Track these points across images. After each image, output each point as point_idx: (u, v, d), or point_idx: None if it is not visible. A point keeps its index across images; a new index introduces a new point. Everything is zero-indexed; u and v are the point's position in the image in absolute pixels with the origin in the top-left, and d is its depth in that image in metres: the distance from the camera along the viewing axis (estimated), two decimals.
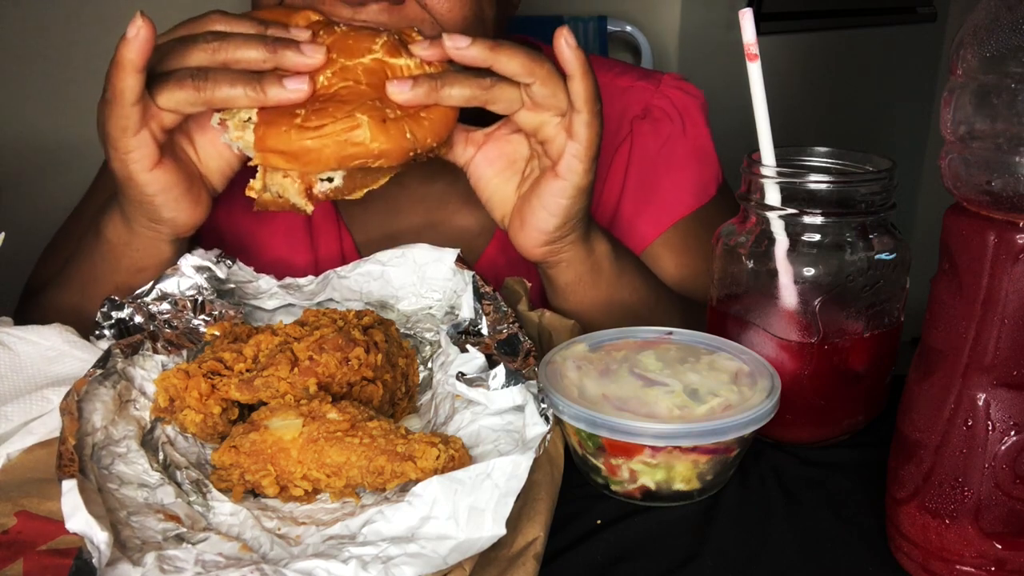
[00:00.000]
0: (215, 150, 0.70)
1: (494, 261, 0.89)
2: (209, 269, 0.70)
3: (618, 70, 0.98)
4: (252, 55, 0.63)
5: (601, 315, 0.77)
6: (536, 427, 0.56)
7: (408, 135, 0.63)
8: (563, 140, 0.67)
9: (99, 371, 0.59)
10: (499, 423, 0.59)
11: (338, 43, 0.65)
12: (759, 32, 0.63)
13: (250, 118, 0.64)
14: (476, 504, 0.50)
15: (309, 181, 0.65)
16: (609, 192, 0.94)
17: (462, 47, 0.63)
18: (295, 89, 0.62)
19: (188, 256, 0.70)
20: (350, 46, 0.65)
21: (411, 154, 0.64)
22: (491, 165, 0.73)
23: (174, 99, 0.63)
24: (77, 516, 0.46)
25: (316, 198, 0.66)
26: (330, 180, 0.66)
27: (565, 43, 0.64)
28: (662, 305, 0.81)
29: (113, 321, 0.65)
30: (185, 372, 0.60)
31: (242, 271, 0.74)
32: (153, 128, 0.64)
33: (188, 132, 0.69)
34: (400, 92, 0.63)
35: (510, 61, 0.64)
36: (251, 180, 0.65)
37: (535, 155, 0.72)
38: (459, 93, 0.64)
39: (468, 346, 0.64)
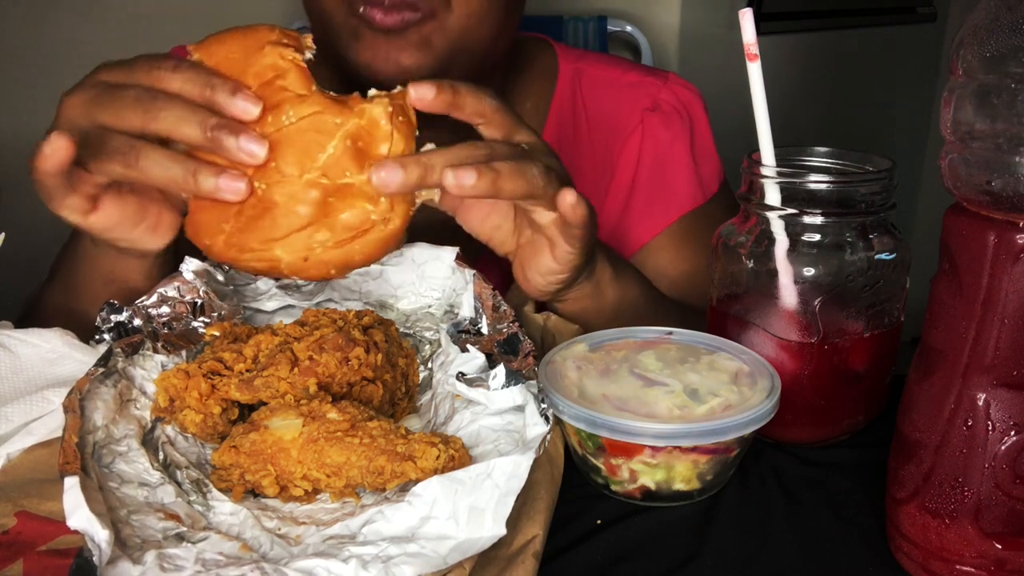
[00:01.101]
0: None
1: (495, 258, 0.90)
2: (208, 272, 0.70)
3: (625, 67, 1.00)
4: (188, 133, 0.56)
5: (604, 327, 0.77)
6: (536, 427, 0.56)
7: (332, 271, 0.60)
8: (557, 230, 0.65)
9: (100, 369, 0.59)
10: (499, 423, 0.59)
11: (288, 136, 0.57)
12: (759, 32, 0.63)
13: None
14: (476, 504, 0.50)
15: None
16: (618, 187, 0.94)
17: (466, 185, 0.57)
18: (228, 189, 0.56)
19: (189, 261, 0.70)
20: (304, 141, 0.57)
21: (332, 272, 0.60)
22: (480, 216, 0.70)
23: (105, 170, 0.59)
24: (78, 513, 0.46)
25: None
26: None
27: (572, 203, 0.62)
28: (661, 313, 0.81)
29: (112, 324, 0.65)
30: (185, 372, 0.60)
31: (240, 275, 0.74)
32: (85, 189, 0.60)
33: None
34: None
35: (515, 191, 0.60)
36: None
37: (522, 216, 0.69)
38: (512, 187, 0.59)
39: (468, 346, 0.64)
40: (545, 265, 0.68)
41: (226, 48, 0.60)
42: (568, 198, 0.62)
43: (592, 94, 0.97)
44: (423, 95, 0.59)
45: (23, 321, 0.69)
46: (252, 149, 0.56)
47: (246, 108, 0.56)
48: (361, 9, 0.77)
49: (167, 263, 0.69)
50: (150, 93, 0.57)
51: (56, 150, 0.55)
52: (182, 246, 0.67)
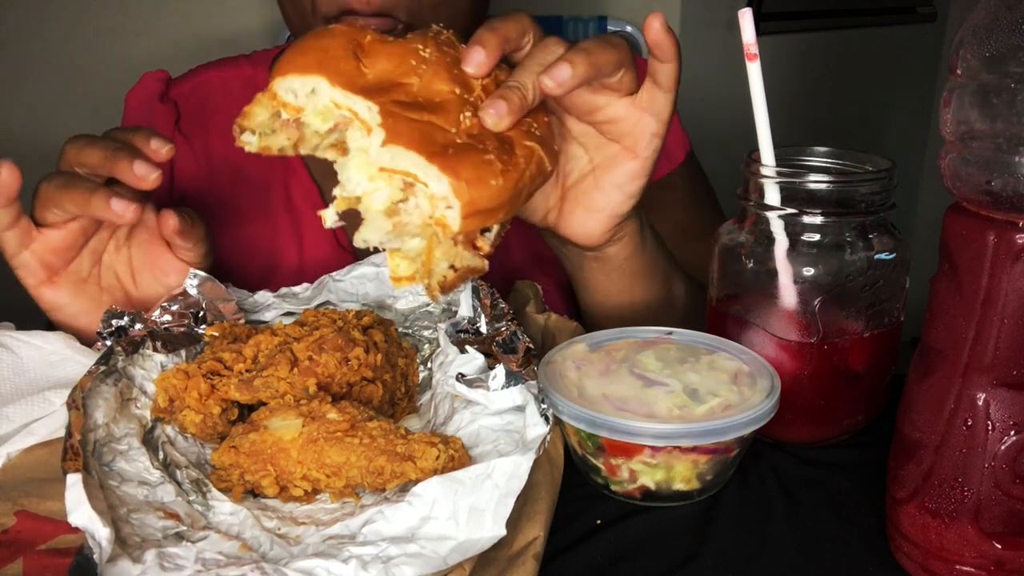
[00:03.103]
0: (158, 284, 0.71)
1: (494, 257, 0.90)
2: (211, 283, 0.70)
3: None
4: (92, 159, 0.64)
5: (642, 291, 0.78)
6: (536, 428, 0.56)
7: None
8: (635, 118, 0.65)
9: (102, 368, 0.59)
10: (499, 423, 0.59)
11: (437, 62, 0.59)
12: (759, 32, 0.63)
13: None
14: (476, 504, 0.50)
15: (473, 235, 0.58)
16: None
17: (565, 78, 0.58)
18: (117, 208, 0.63)
19: (193, 275, 0.70)
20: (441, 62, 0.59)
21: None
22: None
23: (45, 214, 0.66)
24: (80, 510, 0.46)
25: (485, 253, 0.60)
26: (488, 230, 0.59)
27: (661, 27, 0.62)
28: (674, 269, 0.82)
29: (113, 329, 0.65)
30: (185, 372, 0.60)
31: (236, 293, 0.74)
32: (37, 249, 0.67)
33: (131, 264, 0.71)
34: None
35: (607, 63, 0.61)
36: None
37: (575, 143, 0.69)
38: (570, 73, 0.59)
39: (467, 347, 0.64)
40: (627, 184, 0.68)
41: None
42: (655, 23, 0.62)
43: None
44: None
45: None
46: (142, 169, 0.63)
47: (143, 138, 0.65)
48: (336, 21, 0.79)
49: None
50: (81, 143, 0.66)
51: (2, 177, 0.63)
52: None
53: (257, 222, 0.93)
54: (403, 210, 0.55)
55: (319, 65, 0.55)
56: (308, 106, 0.56)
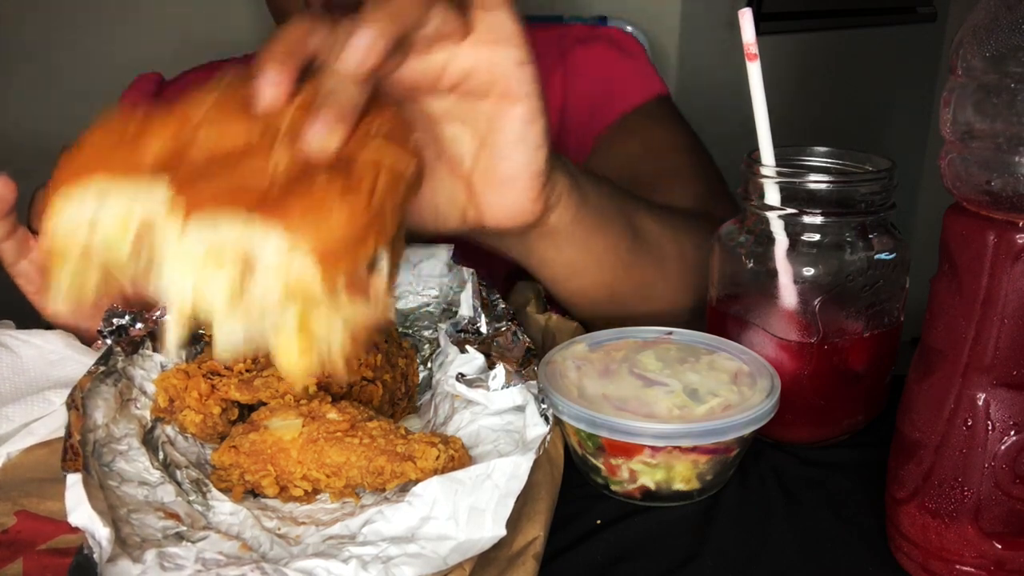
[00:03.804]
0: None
1: (494, 255, 0.90)
2: None
3: (556, 25, 1.05)
4: None
5: (610, 254, 0.68)
6: (537, 428, 0.56)
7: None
8: (487, 57, 0.53)
9: (101, 368, 0.59)
10: (499, 423, 0.59)
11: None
12: (759, 32, 0.63)
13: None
14: (476, 504, 0.50)
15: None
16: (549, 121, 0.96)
17: (366, 44, 0.46)
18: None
19: None
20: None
21: None
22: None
23: (39, 221, 0.64)
24: (80, 510, 0.46)
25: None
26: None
27: None
28: (669, 228, 0.73)
29: (114, 327, 0.65)
30: (185, 372, 0.60)
31: None
32: (35, 258, 0.66)
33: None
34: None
35: (411, 6, 0.49)
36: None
37: (447, 123, 0.57)
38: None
39: (467, 346, 0.64)
40: (526, 134, 0.55)
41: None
42: None
43: None
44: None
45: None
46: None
47: None
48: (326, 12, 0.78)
49: None
50: None
51: None
52: None
53: None
54: (251, 292, 0.43)
55: (86, 167, 0.45)
56: (94, 239, 0.45)
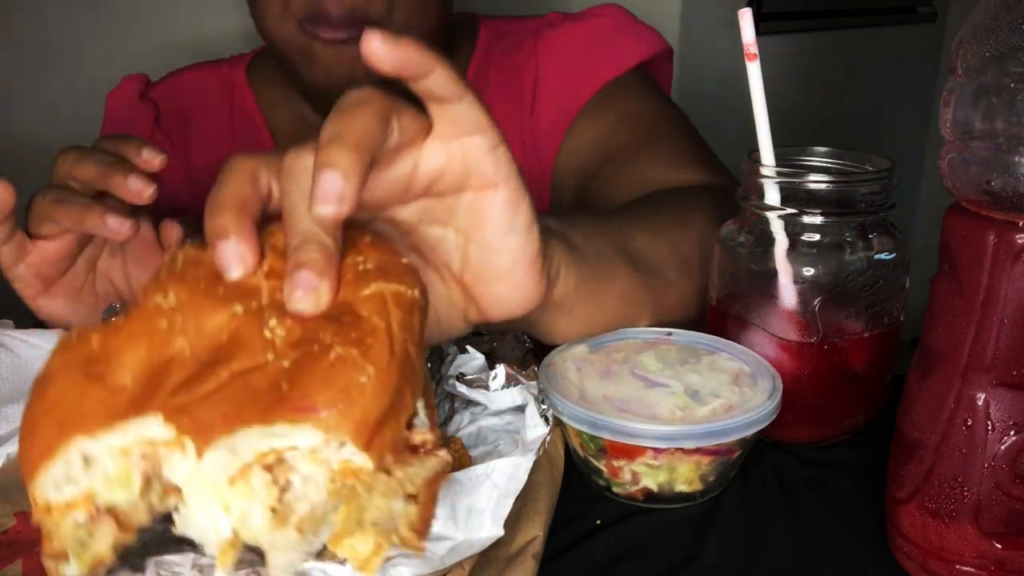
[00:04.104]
0: None
1: None
2: None
3: (538, 18, 1.04)
4: (85, 174, 0.64)
5: (626, 312, 0.66)
6: (536, 428, 0.56)
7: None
8: (457, 151, 0.48)
9: None
10: (499, 423, 0.59)
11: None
12: (759, 32, 0.63)
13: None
14: (475, 505, 0.50)
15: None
16: (524, 104, 0.97)
17: (340, 189, 0.39)
18: (112, 225, 0.62)
19: None
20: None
21: None
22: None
23: (39, 227, 0.65)
24: None
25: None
26: None
27: (384, 46, 0.42)
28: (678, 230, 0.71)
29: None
30: None
31: None
32: (32, 262, 0.67)
33: (126, 270, 0.71)
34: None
35: (370, 128, 0.42)
36: None
37: (427, 227, 0.51)
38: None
39: (468, 346, 0.64)
40: (512, 220, 0.51)
41: None
42: (373, 45, 0.42)
43: (501, 45, 1.00)
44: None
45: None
46: (136, 183, 0.62)
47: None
48: (309, 27, 0.81)
49: None
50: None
51: None
52: None
53: None
54: (294, 499, 0.39)
55: (61, 427, 0.39)
56: (95, 482, 0.39)
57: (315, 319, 0.40)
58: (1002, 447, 0.46)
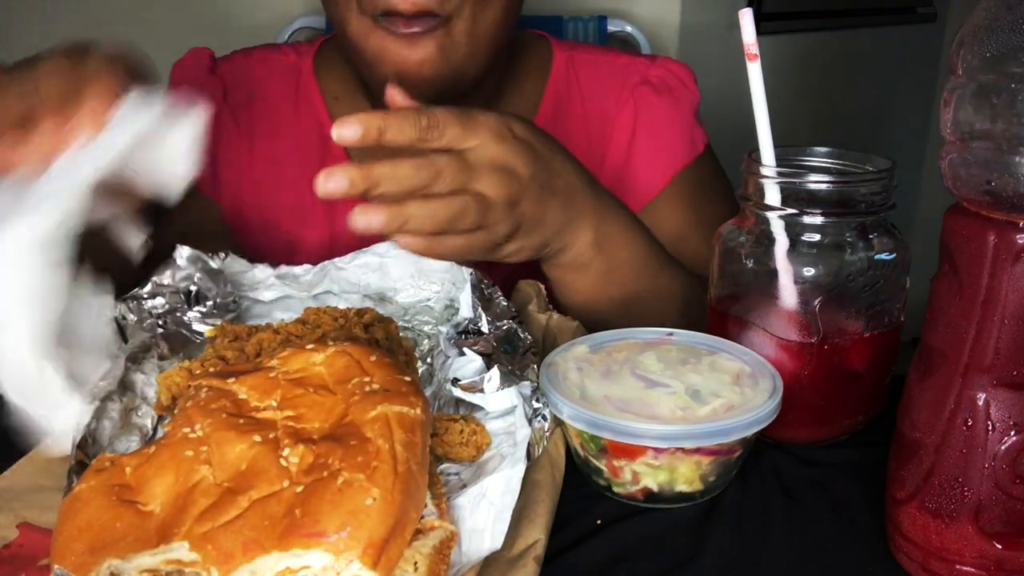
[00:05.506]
0: None
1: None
2: (201, 259, 0.70)
3: (616, 52, 1.05)
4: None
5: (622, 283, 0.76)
6: (522, 430, 0.56)
7: None
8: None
9: (110, 388, 0.59)
10: (502, 426, 0.59)
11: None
12: (759, 32, 0.63)
13: None
14: (475, 526, 0.50)
15: None
16: (614, 157, 0.98)
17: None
18: None
19: (181, 248, 0.69)
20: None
21: None
22: None
23: None
24: None
25: None
26: None
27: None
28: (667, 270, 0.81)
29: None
30: (188, 370, 0.60)
31: (236, 263, 0.74)
32: None
33: None
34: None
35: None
36: None
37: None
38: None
39: (465, 349, 0.64)
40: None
41: None
42: (360, 219, 0.57)
43: (585, 74, 1.00)
44: (344, 136, 0.58)
45: None
46: None
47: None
48: (383, 22, 0.80)
49: None
50: None
51: None
52: None
53: (289, 206, 0.94)
54: None
55: (93, 550, 0.43)
56: None
57: (325, 444, 0.45)
58: (1002, 447, 0.46)
